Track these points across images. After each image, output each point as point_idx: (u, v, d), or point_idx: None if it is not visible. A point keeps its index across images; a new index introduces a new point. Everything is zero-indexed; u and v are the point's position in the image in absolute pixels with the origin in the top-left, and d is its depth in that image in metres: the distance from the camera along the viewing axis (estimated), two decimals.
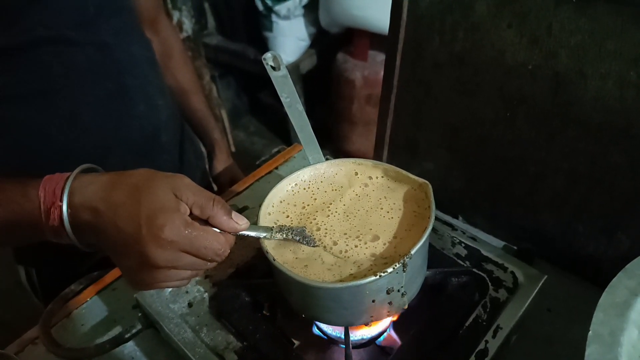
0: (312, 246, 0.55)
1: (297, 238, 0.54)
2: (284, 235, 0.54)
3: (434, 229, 0.69)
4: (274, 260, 0.51)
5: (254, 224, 0.54)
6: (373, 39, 2.04)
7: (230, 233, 0.51)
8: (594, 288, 0.64)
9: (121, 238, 0.47)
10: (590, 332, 0.40)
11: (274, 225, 0.56)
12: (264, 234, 0.54)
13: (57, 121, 0.73)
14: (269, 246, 0.54)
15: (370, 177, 0.63)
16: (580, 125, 0.61)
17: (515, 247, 0.71)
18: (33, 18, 0.67)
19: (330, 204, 0.61)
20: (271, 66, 0.58)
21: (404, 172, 0.60)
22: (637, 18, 0.52)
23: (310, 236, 0.56)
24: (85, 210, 0.49)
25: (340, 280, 0.51)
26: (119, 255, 0.49)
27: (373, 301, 0.50)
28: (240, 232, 0.52)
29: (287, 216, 0.60)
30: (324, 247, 0.55)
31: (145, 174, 0.49)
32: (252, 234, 0.53)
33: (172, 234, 0.46)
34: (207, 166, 1.11)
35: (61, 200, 0.49)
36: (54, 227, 0.50)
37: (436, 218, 0.68)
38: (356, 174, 0.64)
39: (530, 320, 0.61)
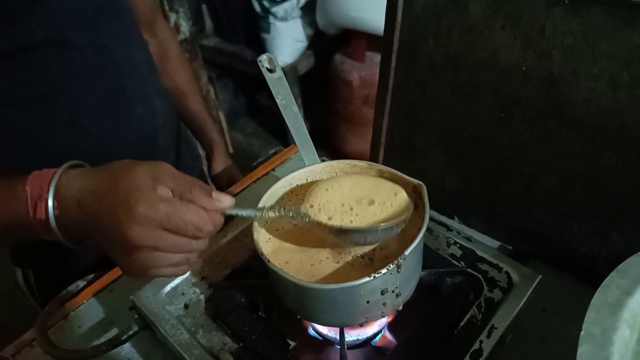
0: (308, 221, 0.54)
1: (291, 213, 0.53)
2: (277, 212, 0.53)
3: (429, 230, 0.69)
4: (269, 261, 0.51)
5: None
6: (370, 40, 2.05)
7: (214, 211, 0.50)
8: (589, 288, 0.65)
9: (104, 225, 0.47)
10: (582, 331, 0.40)
11: (265, 206, 0.55)
12: (254, 213, 0.53)
13: (57, 123, 0.73)
14: (265, 248, 0.54)
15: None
16: (574, 126, 0.61)
17: (510, 247, 0.72)
18: (32, 20, 0.67)
19: (325, 205, 0.61)
20: (267, 68, 0.58)
21: (398, 173, 0.60)
22: (629, 19, 0.53)
23: (305, 212, 0.54)
24: (71, 203, 0.49)
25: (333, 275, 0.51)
26: (107, 244, 0.49)
27: (368, 302, 0.51)
28: (228, 211, 0.51)
29: (285, 222, 0.60)
30: (320, 222, 0.54)
31: (126, 163, 0.50)
32: (241, 212, 0.52)
33: (146, 210, 0.45)
34: (204, 167, 1.12)
35: (47, 193, 0.49)
36: (41, 222, 0.50)
37: (431, 218, 0.68)
38: None
39: (525, 320, 0.61)
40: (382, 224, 0.53)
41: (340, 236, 0.53)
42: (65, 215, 0.50)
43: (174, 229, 0.47)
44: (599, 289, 0.44)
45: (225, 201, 0.50)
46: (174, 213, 0.46)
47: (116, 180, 0.48)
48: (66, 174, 0.51)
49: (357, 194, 0.57)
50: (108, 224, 0.47)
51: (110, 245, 0.48)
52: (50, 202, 0.49)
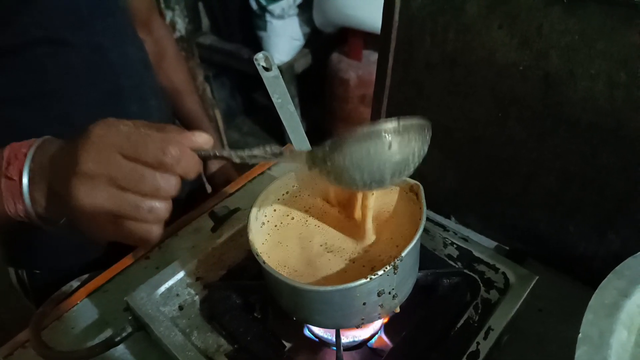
0: (278, 156, 0.48)
1: (265, 154, 0.48)
2: (247, 153, 0.48)
3: (425, 230, 0.69)
4: (264, 263, 0.51)
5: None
6: (367, 38, 2.04)
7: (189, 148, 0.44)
8: (585, 288, 0.64)
9: (64, 163, 0.44)
10: (580, 334, 0.40)
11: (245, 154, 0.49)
12: (230, 153, 0.47)
13: (52, 122, 0.73)
14: (260, 249, 0.54)
15: None
16: (571, 125, 0.61)
17: (507, 248, 0.71)
18: (27, 19, 0.66)
19: (322, 204, 0.60)
20: (263, 67, 0.58)
21: None
22: (626, 19, 0.53)
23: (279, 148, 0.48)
24: (44, 164, 0.47)
25: (325, 277, 0.50)
26: (67, 190, 0.43)
27: (364, 304, 0.50)
28: (204, 152, 0.45)
29: (281, 223, 0.59)
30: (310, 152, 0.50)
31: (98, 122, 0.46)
32: (219, 152, 0.47)
33: (103, 129, 0.42)
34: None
35: (27, 150, 0.48)
36: (10, 181, 0.47)
37: (428, 219, 0.68)
38: None
39: (522, 321, 0.61)
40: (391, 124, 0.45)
41: (338, 164, 0.46)
42: (39, 176, 0.47)
43: (133, 152, 0.41)
44: (597, 290, 0.44)
45: (201, 137, 0.45)
46: (134, 133, 0.42)
47: (84, 131, 0.44)
48: (49, 139, 0.49)
49: None
50: (67, 156, 0.43)
51: (70, 189, 0.43)
52: (28, 160, 0.47)
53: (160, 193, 0.43)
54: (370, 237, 0.57)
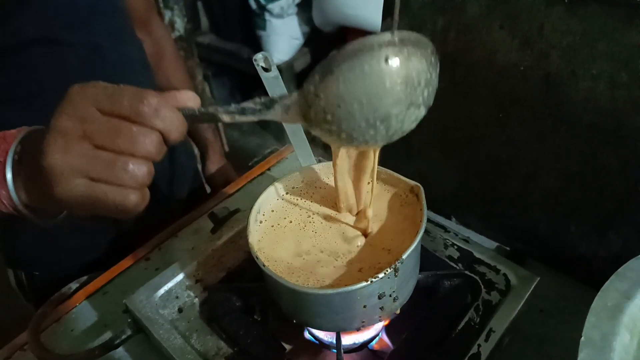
0: (270, 107, 0.42)
1: (255, 106, 0.43)
2: (236, 107, 0.43)
3: (426, 231, 0.68)
4: (264, 266, 0.50)
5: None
6: None
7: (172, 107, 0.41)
8: (586, 288, 0.65)
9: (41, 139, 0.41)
10: (582, 337, 0.40)
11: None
12: (216, 109, 0.43)
13: (49, 122, 0.72)
14: (259, 251, 0.53)
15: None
16: (572, 126, 0.61)
17: (507, 248, 0.71)
18: (23, 18, 0.66)
19: (322, 206, 0.60)
20: (262, 67, 0.57)
21: (395, 174, 0.60)
22: (628, 19, 0.52)
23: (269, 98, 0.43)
24: (32, 150, 0.43)
25: (329, 285, 0.50)
26: (41, 158, 0.40)
27: (364, 307, 0.50)
28: (188, 110, 0.41)
29: (281, 224, 0.59)
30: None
31: None
32: (204, 110, 0.42)
33: (80, 86, 0.39)
34: (199, 167, 1.11)
35: (17, 134, 0.45)
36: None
37: (428, 220, 0.67)
38: None
39: (523, 321, 0.61)
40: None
41: (332, 92, 0.39)
42: (26, 161, 0.44)
43: (109, 104, 0.38)
44: (599, 292, 0.43)
45: (186, 94, 0.41)
46: (112, 87, 0.39)
47: None
48: (41, 128, 0.46)
49: None
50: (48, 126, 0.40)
51: (43, 147, 0.40)
52: (14, 144, 0.44)
53: (138, 149, 0.39)
54: (372, 226, 0.57)
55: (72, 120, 0.38)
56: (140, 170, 0.39)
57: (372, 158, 0.52)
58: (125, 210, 0.40)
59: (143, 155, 0.39)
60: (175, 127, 0.40)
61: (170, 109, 0.40)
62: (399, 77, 0.38)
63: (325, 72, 0.38)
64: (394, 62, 0.37)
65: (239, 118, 0.42)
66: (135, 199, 0.40)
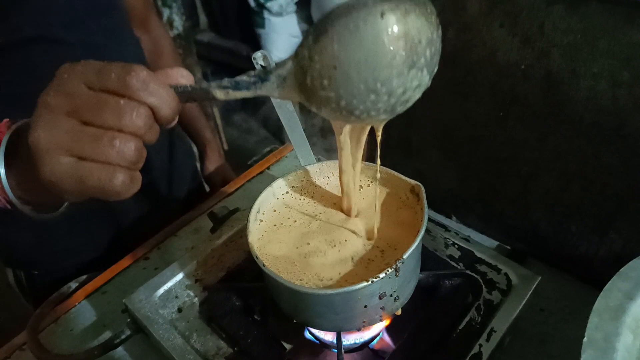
0: (265, 79, 0.42)
1: (249, 78, 0.42)
2: (229, 82, 0.42)
3: (427, 230, 0.68)
4: (264, 266, 0.50)
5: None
6: None
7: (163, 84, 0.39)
8: (587, 287, 0.65)
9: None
10: (585, 337, 0.40)
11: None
12: (209, 85, 0.41)
13: None
14: (259, 251, 0.53)
15: (362, 179, 0.62)
16: (573, 125, 0.61)
17: (508, 247, 0.71)
18: (20, 17, 0.66)
19: (322, 205, 0.60)
20: (261, 65, 0.57)
21: (395, 173, 0.59)
22: (629, 17, 0.52)
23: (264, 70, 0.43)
24: (23, 140, 0.41)
25: (330, 284, 0.50)
26: (28, 136, 0.38)
27: (365, 306, 0.50)
28: (181, 89, 0.40)
29: (282, 224, 0.59)
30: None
31: None
32: (197, 85, 0.40)
33: (70, 64, 0.38)
34: (198, 165, 1.11)
35: (11, 124, 0.45)
36: None
37: (429, 219, 0.67)
38: None
39: (524, 320, 0.61)
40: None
41: (328, 54, 0.37)
42: (20, 153, 0.43)
43: (97, 78, 0.37)
44: (602, 293, 0.43)
45: (179, 71, 0.40)
46: (101, 63, 0.37)
47: None
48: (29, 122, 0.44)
49: None
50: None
51: (30, 125, 0.38)
52: (8, 134, 0.44)
53: (126, 123, 0.37)
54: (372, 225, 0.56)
55: (59, 96, 0.37)
56: (127, 146, 0.37)
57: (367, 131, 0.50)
58: (113, 190, 0.38)
59: (131, 131, 0.37)
60: (166, 102, 0.38)
61: (161, 84, 0.38)
62: (396, 33, 0.35)
63: (319, 33, 0.36)
64: (391, 17, 0.35)
65: (233, 93, 0.41)
66: (122, 178, 0.38)
